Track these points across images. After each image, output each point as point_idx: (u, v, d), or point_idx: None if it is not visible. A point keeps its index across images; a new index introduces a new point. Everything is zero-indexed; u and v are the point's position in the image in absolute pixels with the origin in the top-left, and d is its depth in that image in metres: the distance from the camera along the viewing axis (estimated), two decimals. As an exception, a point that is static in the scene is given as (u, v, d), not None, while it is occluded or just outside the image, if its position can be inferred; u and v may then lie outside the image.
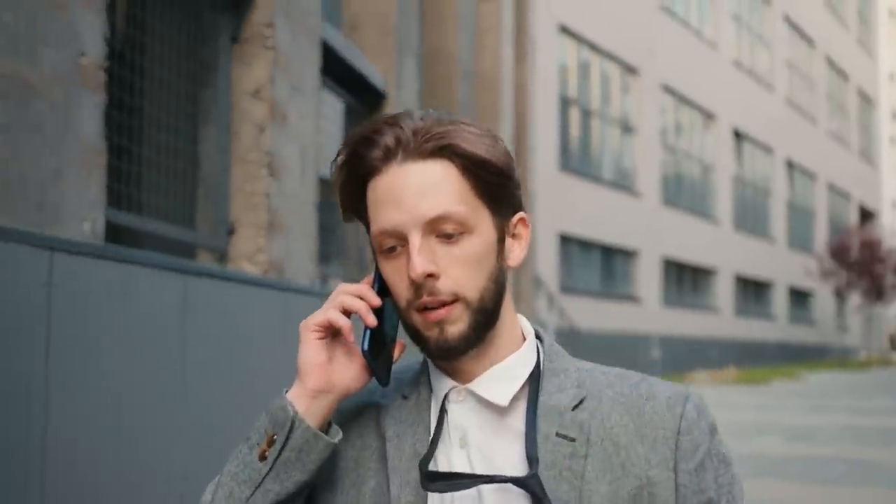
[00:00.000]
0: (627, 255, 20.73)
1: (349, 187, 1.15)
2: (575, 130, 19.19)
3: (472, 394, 1.16)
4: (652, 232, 21.26)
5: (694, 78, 23.40)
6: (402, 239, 1.10)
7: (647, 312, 20.80)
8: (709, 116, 24.65)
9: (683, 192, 23.36)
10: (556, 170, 17.74)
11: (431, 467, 1.13)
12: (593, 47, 19.58)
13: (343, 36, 6.74)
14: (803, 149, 30.94)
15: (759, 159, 28.06)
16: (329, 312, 1.12)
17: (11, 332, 2.57)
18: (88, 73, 3.03)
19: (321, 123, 5.45)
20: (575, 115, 19.19)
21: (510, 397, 1.14)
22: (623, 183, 20.65)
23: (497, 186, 1.13)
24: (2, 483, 2.52)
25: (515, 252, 1.17)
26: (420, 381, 1.20)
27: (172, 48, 4.23)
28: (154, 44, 4.09)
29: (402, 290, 1.12)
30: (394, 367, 1.20)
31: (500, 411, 1.15)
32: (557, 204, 17.24)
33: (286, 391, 1.13)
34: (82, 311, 2.86)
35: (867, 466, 7.93)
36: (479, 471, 1.12)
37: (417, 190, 1.09)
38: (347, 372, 1.14)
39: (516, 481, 1.08)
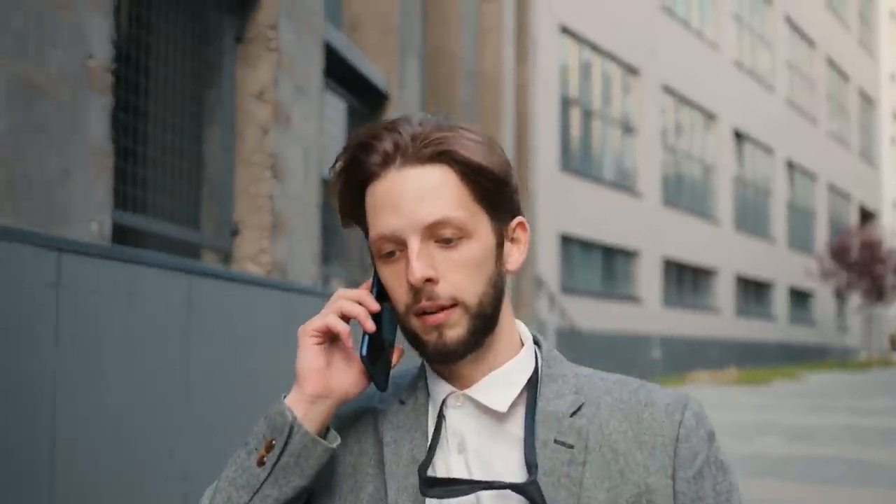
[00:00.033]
0: (628, 255, 20.75)
1: (348, 193, 1.15)
2: (576, 131, 19.21)
3: (471, 399, 1.15)
4: (652, 232, 21.28)
5: (695, 78, 23.42)
6: (401, 244, 1.10)
7: (648, 313, 20.82)
8: (709, 117, 24.67)
9: (684, 193, 23.38)
10: (557, 170, 17.76)
11: (429, 473, 1.13)
12: (594, 48, 19.60)
13: (345, 36, 6.76)
14: (804, 149, 30.96)
15: (760, 160, 28.08)
16: (328, 318, 1.12)
17: (20, 332, 2.59)
18: (96, 75, 3.06)
19: (324, 125, 5.47)
20: (576, 115, 19.21)
21: (509, 403, 1.14)
22: (624, 183, 20.67)
23: (495, 192, 1.13)
24: (11, 481, 2.54)
25: (514, 257, 1.17)
26: (417, 386, 1.20)
27: (177, 49, 4.26)
28: (158, 44, 4.11)
29: (400, 295, 1.12)
30: (391, 372, 1.19)
31: (498, 417, 1.15)
32: (558, 204, 17.26)
33: (284, 396, 1.13)
34: (89, 311, 2.88)
35: (867, 466, 7.95)
36: (477, 477, 1.12)
37: (416, 195, 1.09)
38: (346, 377, 1.14)
39: (515, 487, 1.08)
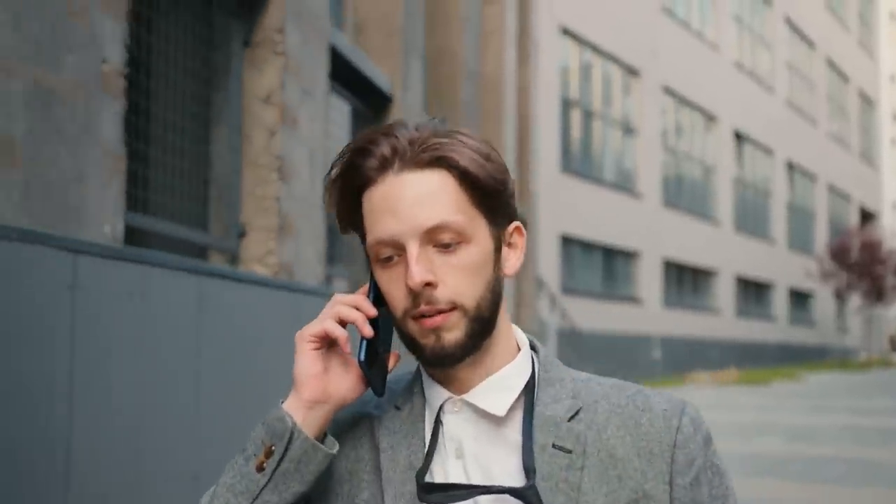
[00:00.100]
0: (628, 256, 20.79)
1: (345, 198, 1.14)
2: (576, 132, 19.27)
3: (468, 404, 1.15)
4: (653, 233, 21.33)
5: (695, 79, 23.48)
6: (399, 248, 1.10)
7: (648, 313, 20.86)
8: (710, 118, 24.72)
9: (684, 194, 23.43)
10: (558, 171, 17.81)
11: (427, 479, 1.12)
12: (595, 49, 19.65)
13: (349, 39, 6.81)
14: (804, 150, 31.01)
15: (760, 161, 28.13)
16: (325, 323, 1.12)
17: (37, 332, 2.65)
18: (109, 80, 3.11)
19: (329, 127, 5.52)
20: (576, 116, 19.27)
21: (507, 407, 1.14)
22: (624, 184, 20.72)
23: (493, 196, 1.12)
24: (28, 479, 2.60)
25: (511, 261, 1.17)
26: (413, 391, 1.19)
27: (185, 53, 4.31)
28: (167, 48, 4.16)
29: (399, 300, 1.11)
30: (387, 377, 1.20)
31: (496, 422, 1.15)
32: (559, 205, 17.31)
33: (282, 402, 1.12)
34: (104, 312, 2.93)
35: (867, 466, 8.00)
36: (475, 481, 1.12)
37: (415, 200, 1.09)
38: (343, 382, 1.14)
39: (513, 492, 1.08)
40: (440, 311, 1.09)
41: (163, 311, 3.29)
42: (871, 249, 30.90)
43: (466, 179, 1.10)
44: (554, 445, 1.12)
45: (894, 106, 46.96)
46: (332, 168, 1.15)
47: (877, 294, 31.50)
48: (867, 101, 38.36)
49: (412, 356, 1.16)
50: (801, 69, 31.32)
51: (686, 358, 21.68)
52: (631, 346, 19.53)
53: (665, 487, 1.11)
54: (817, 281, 30.54)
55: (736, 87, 25.89)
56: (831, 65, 33.89)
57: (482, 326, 1.12)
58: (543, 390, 1.16)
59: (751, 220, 27.25)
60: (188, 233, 4.28)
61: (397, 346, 1.18)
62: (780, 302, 29.11)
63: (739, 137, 26.40)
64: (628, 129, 21.07)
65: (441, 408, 1.16)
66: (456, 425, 1.15)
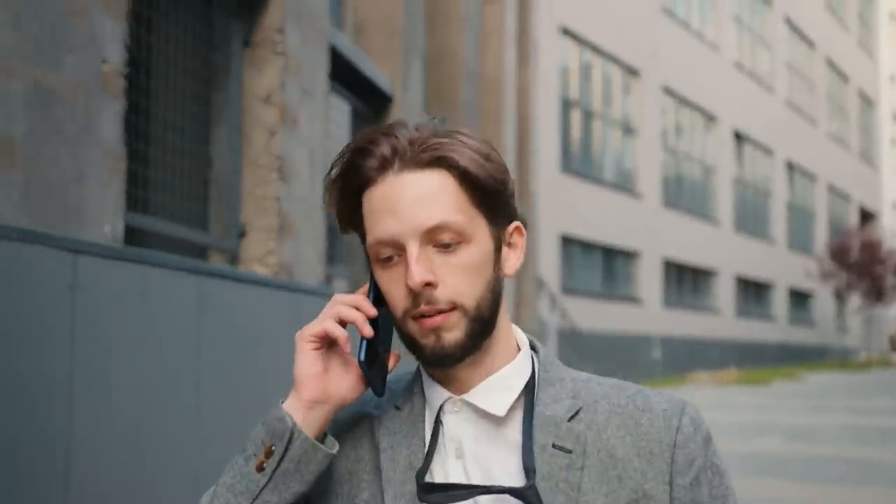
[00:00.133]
0: (628, 256, 20.80)
1: (344, 198, 1.14)
2: (576, 132, 19.28)
3: (468, 404, 1.15)
4: (653, 233, 21.34)
5: (695, 79, 23.49)
6: (400, 248, 1.10)
7: (648, 313, 20.87)
8: (709, 118, 24.73)
9: (684, 194, 23.44)
10: (558, 171, 17.82)
11: (427, 479, 1.12)
12: (595, 49, 19.66)
13: (349, 39, 6.81)
14: (803, 150, 31.02)
15: (760, 161, 28.14)
16: (325, 323, 1.12)
17: (37, 332, 2.65)
18: (109, 80, 3.11)
19: (329, 127, 5.53)
20: (576, 116, 19.27)
21: (507, 407, 1.14)
22: (624, 184, 20.73)
23: (493, 197, 1.13)
24: (29, 479, 2.60)
25: (511, 261, 1.17)
26: (413, 391, 1.19)
27: (186, 53, 4.31)
28: (168, 49, 4.17)
29: (399, 300, 1.11)
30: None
31: (496, 422, 1.15)
32: (559, 205, 17.32)
33: (282, 402, 1.12)
34: (104, 312, 2.94)
35: (867, 465, 8.01)
36: (475, 481, 1.12)
37: (415, 200, 1.09)
38: (344, 382, 1.14)
39: (513, 492, 1.08)
40: (440, 311, 1.09)
41: (163, 310, 3.29)
42: (871, 249, 30.92)
43: (466, 179, 1.10)
44: (554, 445, 1.12)
45: (894, 106, 46.98)
46: (331, 168, 1.15)
47: (877, 294, 31.51)
48: (867, 101, 38.38)
49: (412, 356, 1.16)
50: (801, 69, 31.33)
51: (686, 358, 21.69)
52: (631, 346, 19.54)
53: (665, 487, 1.11)
54: (817, 281, 30.56)
55: (736, 87, 25.90)
56: (831, 65, 33.90)
57: (482, 326, 1.12)
58: (543, 390, 1.16)
59: (751, 220, 27.26)
60: (188, 233, 4.28)
61: (397, 346, 1.18)
62: (779, 302, 29.13)
63: (739, 137, 26.41)
64: (628, 130, 21.07)
65: (441, 408, 1.16)
66: (456, 425, 1.15)
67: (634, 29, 20.71)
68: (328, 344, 1.13)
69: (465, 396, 1.15)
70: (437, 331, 1.10)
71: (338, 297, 1.15)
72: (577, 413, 1.14)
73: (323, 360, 1.13)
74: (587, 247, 19.23)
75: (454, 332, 1.10)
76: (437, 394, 1.17)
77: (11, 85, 2.69)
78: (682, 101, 23.23)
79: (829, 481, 7.30)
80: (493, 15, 10.16)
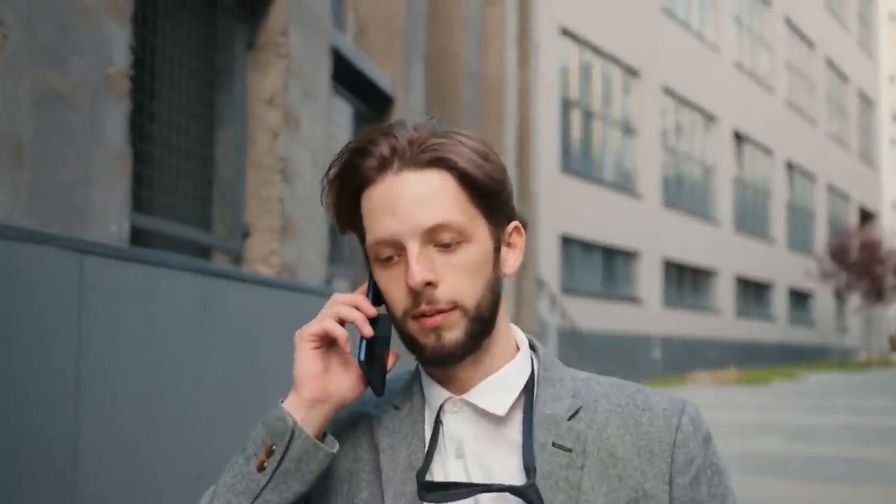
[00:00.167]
0: (628, 256, 20.83)
1: (343, 199, 1.14)
2: (576, 132, 19.30)
3: (469, 404, 1.15)
4: (653, 233, 21.36)
5: (695, 80, 23.52)
6: (399, 248, 1.10)
7: (648, 313, 20.90)
8: (709, 118, 24.76)
9: (684, 194, 23.47)
10: (558, 171, 17.85)
11: (427, 478, 1.12)
12: (595, 49, 19.69)
13: (350, 40, 6.84)
14: (803, 150, 31.05)
15: (760, 161, 28.17)
16: (325, 322, 1.11)
17: (45, 331, 2.68)
18: (115, 82, 3.14)
19: (331, 129, 5.55)
20: (576, 116, 19.30)
21: (508, 407, 1.14)
22: (624, 184, 20.75)
23: (492, 196, 1.13)
24: (37, 477, 2.63)
25: (510, 261, 1.17)
26: (412, 391, 1.19)
27: (190, 55, 4.34)
28: (172, 51, 4.19)
29: (399, 299, 1.11)
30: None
31: (496, 421, 1.15)
32: (559, 205, 17.35)
33: (282, 401, 1.12)
34: (110, 312, 2.96)
35: (867, 465, 8.03)
36: (476, 481, 1.12)
37: (415, 199, 1.09)
38: (344, 382, 1.14)
39: (514, 490, 1.08)
40: (440, 311, 1.09)
41: (168, 310, 3.32)
42: (871, 249, 30.95)
43: (465, 179, 1.10)
44: (554, 444, 1.12)
45: (894, 106, 47.00)
46: (329, 168, 1.15)
47: (876, 294, 31.54)
48: (867, 101, 38.41)
49: (410, 356, 1.17)
50: (801, 69, 31.36)
51: (686, 358, 21.72)
52: (631, 345, 19.56)
53: (665, 487, 1.12)
54: (817, 281, 30.59)
55: (736, 88, 25.93)
56: (831, 65, 33.93)
57: (482, 326, 1.12)
58: (543, 389, 1.16)
59: (750, 220, 27.29)
60: (192, 233, 4.31)
61: (395, 345, 1.18)
62: (779, 302, 29.15)
63: (739, 137, 26.44)
64: (628, 130, 21.10)
65: (441, 408, 1.16)
66: (456, 425, 1.15)
67: (634, 29, 20.74)
68: (328, 343, 1.14)
69: (466, 396, 1.15)
70: (437, 330, 1.10)
71: (337, 296, 1.15)
72: (577, 412, 1.15)
73: (323, 360, 1.13)
74: (587, 247, 19.25)
75: (454, 331, 1.10)
76: (436, 393, 1.17)
77: (20, 87, 2.71)
78: (682, 101, 23.26)
79: (829, 481, 7.33)
80: (495, 16, 10.19)
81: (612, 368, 14.43)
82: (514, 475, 1.11)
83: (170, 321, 3.34)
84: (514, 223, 1.18)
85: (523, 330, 1.24)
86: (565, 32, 18.50)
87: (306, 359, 1.12)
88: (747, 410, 13.29)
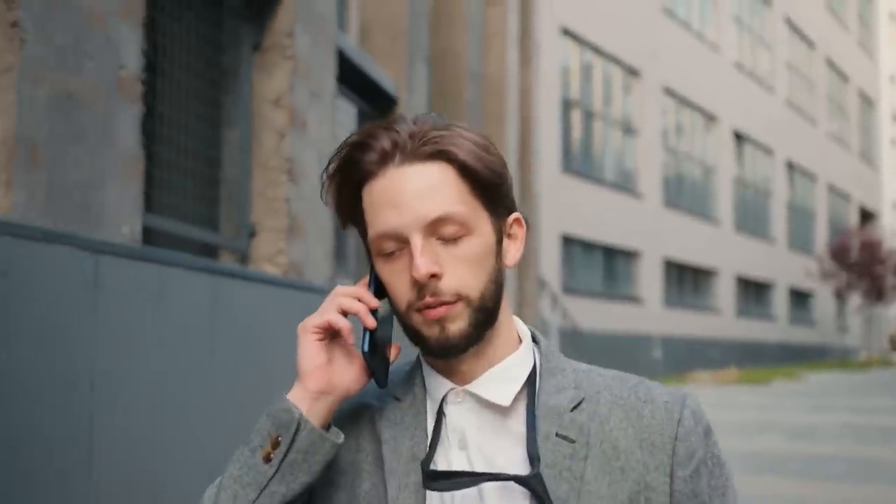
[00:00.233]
0: (629, 256, 20.87)
1: (344, 193, 1.15)
2: (577, 132, 19.35)
3: (472, 395, 1.15)
4: (653, 233, 21.41)
5: (695, 80, 23.56)
6: (402, 241, 1.10)
7: (649, 313, 20.94)
8: (710, 118, 24.80)
9: (684, 194, 23.51)
10: (559, 171, 17.89)
11: (432, 468, 1.13)
12: (596, 49, 19.73)
13: (354, 41, 6.89)
14: (804, 150, 31.08)
15: (760, 161, 28.21)
16: (328, 314, 1.12)
17: (61, 330, 2.73)
18: (127, 85, 3.19)
19: (336, 130, 5.60)
20: (577, 116, 19.34)
21: (512, 397, 1.15)
22: (625, 184, 20.80)
23: (492, 188, 1.13)
24: (53, 475, 2.68)
25: (512, 252, 1.18)
26: (413, 382, 1.20)
27: (197, 57, 4.39)
28: (180, 53, 4.24)
29: (402, 292, 1.12)
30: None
31: (499, 412, 1.15)
32: (559, 205, 17.39)
33: (287, 393, 1.13)
34: (123, 311, 3.02)
35: (867, 464, 8.07)
36: (480, 471, 1.13)
37: (417, 192, 1.09)
38: (348, 373, 1.14)
39: (518, 479, 1.08)
40: (444, 303, 1.10)
41: (179, 309, 3.37)
42: (871, 249, 30.98)
43: (467, 171, 1.11)
44: (557, 434, 1.13)
45: (894, 106, 47.02)
46: (329, 163, 1.15)
47: (877, 294, 31.57)
48: (867, 101, 38.44)
49: (411, 348, 1.18)
50: (801, 69, 31.40)
51: (686, 357, 21.76)
52: (631, 345, 19.61)
53: (665, 479, 1.13)
54: (817, 281, 30.62)
55: (736, 88, 25.97)
56: (831, 65, 33.96)
57: (486, 317, 1.13)
58: (546, 380, 1.17)
59: (751, 220, 27.33)
60: (200, 233, 4.36)
61: (396, 337, 1.19)
62: (780, 302, 29.19)
63: (739, 137, 26.48)
64: (629, 130, 21.15)
65: (444, 399, 1.16)
66: (459, 416, 1.16)
67: (635, 29, 20.78)
68: (331, 335, 1.14)
69: (469, 387, 1.15)
70: (441, 321, 1.10)
71: (339, 289, 1.16)
72: (579, 403, 1.15)
73: (327, 351, 1.14)
74: (588, 247, 19.30)
75: (458, 322, 1.11)
76: (438, 384, 1.17)
77: (36, 90, 2.77)
78: (683, 102, 23.30)
79: (830, 479, 7.37)
80: (496, 16, 10.22)
81: (612, 368, 14.36)
82: (518, 466, 1.12)
83: (180, 319, 3.39)
84: (515, 214, 1.19)
85: (524, 329, 1.26)
86: (566, 33, 18.55)
87: (310, 350, 1.13)
88: (748, 410, 13.33)
